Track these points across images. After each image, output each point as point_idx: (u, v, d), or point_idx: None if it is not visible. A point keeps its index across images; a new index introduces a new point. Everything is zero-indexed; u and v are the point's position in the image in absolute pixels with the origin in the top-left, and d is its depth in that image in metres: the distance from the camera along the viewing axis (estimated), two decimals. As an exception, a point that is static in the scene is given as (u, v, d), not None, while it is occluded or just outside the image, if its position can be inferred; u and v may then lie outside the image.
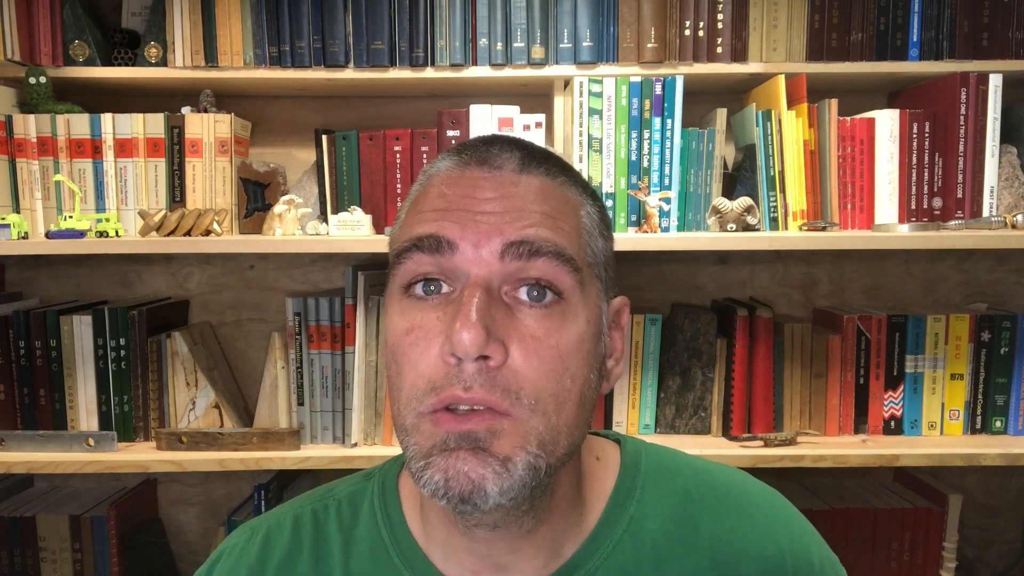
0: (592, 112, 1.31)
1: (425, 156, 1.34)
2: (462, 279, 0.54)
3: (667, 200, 1.32)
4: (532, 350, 0.53)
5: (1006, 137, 1.38)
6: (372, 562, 0.63)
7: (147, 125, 1.36)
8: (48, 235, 1.29)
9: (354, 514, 0.66)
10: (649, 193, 1.30)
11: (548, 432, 0.53)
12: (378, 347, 1.34)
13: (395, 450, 1.33)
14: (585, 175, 1.32)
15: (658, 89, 1.31)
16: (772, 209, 1.32)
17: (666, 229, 1.32)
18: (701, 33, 1.35)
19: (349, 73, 1.36)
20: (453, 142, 1.32)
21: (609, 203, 1.32)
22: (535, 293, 0.54)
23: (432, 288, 0.55)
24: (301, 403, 1.36)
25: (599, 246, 0.60)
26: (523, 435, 0.52)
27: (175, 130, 1.36)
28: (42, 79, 1.34)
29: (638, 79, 1.31)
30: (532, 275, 0.54)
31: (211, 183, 1.36)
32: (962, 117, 1.31)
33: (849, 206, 1.36)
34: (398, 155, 1.34)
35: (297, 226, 1.35)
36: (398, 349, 0.55)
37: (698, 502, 0.64)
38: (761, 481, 0.69)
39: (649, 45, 1.34)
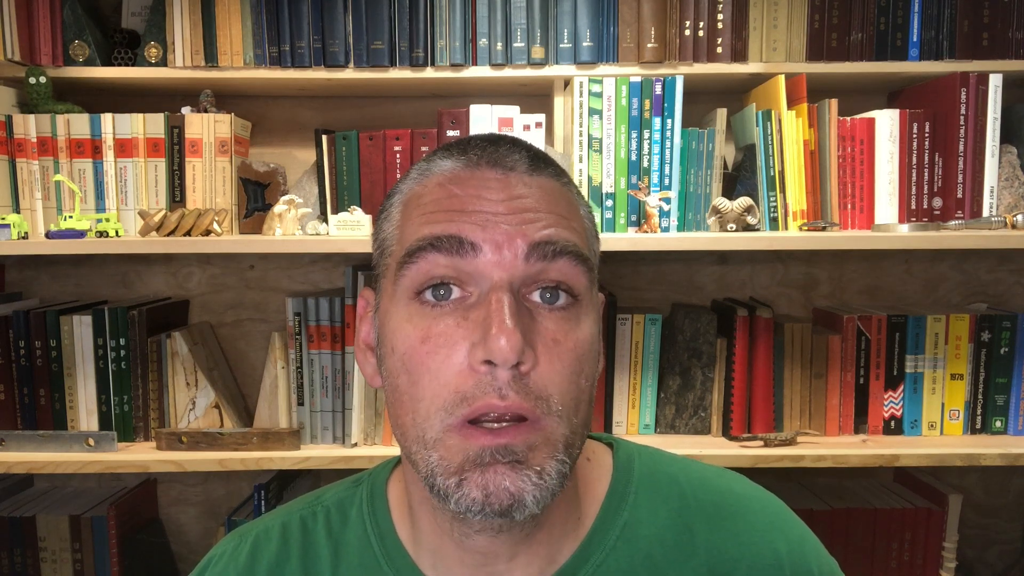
0: (592, 112, 1.31)
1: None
2: (481, 283, 0.53)
3: (667, 200, 1.31)
4: (555, 353, 0.52)
5: (1006, 137, 1.38)
6: (361, 569, 0.62)
7: (147, 125, 1.36)
8: (48, 235, 1.29)
9: (343, 521, 0.65)
10: (649, 193, 1.30)
11: (570, 436, 0.53)
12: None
13: (395, 450, 1.33)
14: (585, 175, 1.32)
15: (658, 89, 1.31)
16: (772, 209, 1.32)
17: (666, 229, 1.32)
18: (701, 33, 1.35)
19: (349, 73, 1.36)
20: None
21: (609, 203, 1.33)
22: (548, 295, 0.54)
23: (443, 293, 0.53)
24: (301, 403, 1.36)
25: (596, 247, 0.61)
26: (552, 444, 0.52)
27: (175, 130, 1.36)
28: (42, 79, 1.34)
29: (638, 79, 1.31)
30: (552, 277, 0.54)
31: (211, 183, 1.36)
32: (962, 117, 1.31)
33: (849, 206, 1.36)
34: (398, 155, 1.34)
35: (297, 226, 1.34)
36: (412, 359, 0.53)
37: (694, 509, 0.63)
38: (759, 486, 0.68)
39: (649, 45, 1.34)
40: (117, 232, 1.30)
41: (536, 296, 0.54)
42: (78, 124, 1.35)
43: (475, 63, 1.36)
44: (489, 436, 0.50)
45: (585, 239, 0.57)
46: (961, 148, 1.32)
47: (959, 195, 1.32)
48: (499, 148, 0.58)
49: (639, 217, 1.32)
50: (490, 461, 0.50)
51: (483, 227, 0.53)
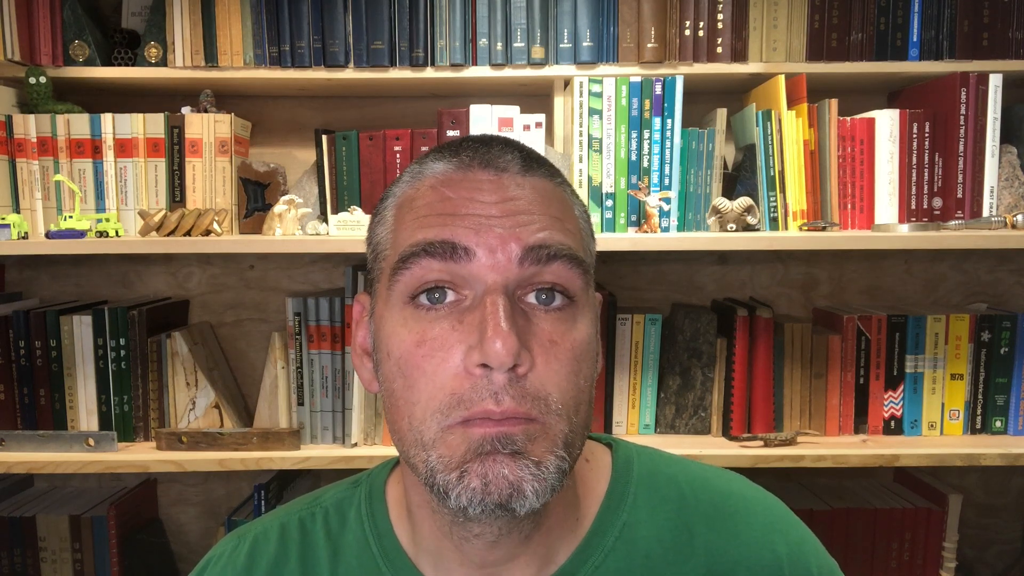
0: (592, 112, 1.31)
1: (425, 156, 1.34)
2: (476, 286, 0.52)
3: (667, 200, 1.31)
4: (552, 354, 0.52)
5: (1006, 137, 1.38)
6: (360, 570, 0.62)
7: (147, 125, 1.36)
8: (48, 235, 1.29)
9: (341, 522, 0.65)
10: (649, 193, 1.30)
11: (571, 434, 0.53)
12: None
13: (395, 451, 1.33)
14: (585, 175, 1.32)
15: (658, 89, 1.30)
16: (772, 209, 1.32)
17: (666, 229, 1.32)
18: (701, 33, 1.35)
19: (349, 73, 1.36)
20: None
21: (609, 203, 1.33)
22: (544, 296, 0.53)
23: (437, 296, 0.53)
24: (301, 403, 1.36)
25: (591, 246, 0.60)
26: (552, 439, 0.52)
27: (175, 130, 1.36)
28: (42, 79, 1.34)
29: (638, 79, 1.31)
30: (547, 279, 0.53)
31: (211, 183, 1.36)
32: (962, 117, 1.31)
33: (849, 206, 1.36)
34: (398, 155, 1.34)
35: (297, 226, 1.34)
36: (408, 362, 0.52)
37: (693, 509, 0.63)
38: (759, 487, 0.68)
39: (649, 45, 1.34)
40: (117, 232, 1.30)
41: (531, 298, 0.53)
42: (78, 124, 1.35)
43: (475, 63, 1.36)
44: (490, 424, 0.50)
45: (580, 240, 0.57)
46: (961, 148, 1.32)
47: (959, 195, 1.32)
48: (491, 149, 0.57)
49: (639, 217, 1.32)
50: (490, 450, 0.50)
51: (476, 231, 0.52)
